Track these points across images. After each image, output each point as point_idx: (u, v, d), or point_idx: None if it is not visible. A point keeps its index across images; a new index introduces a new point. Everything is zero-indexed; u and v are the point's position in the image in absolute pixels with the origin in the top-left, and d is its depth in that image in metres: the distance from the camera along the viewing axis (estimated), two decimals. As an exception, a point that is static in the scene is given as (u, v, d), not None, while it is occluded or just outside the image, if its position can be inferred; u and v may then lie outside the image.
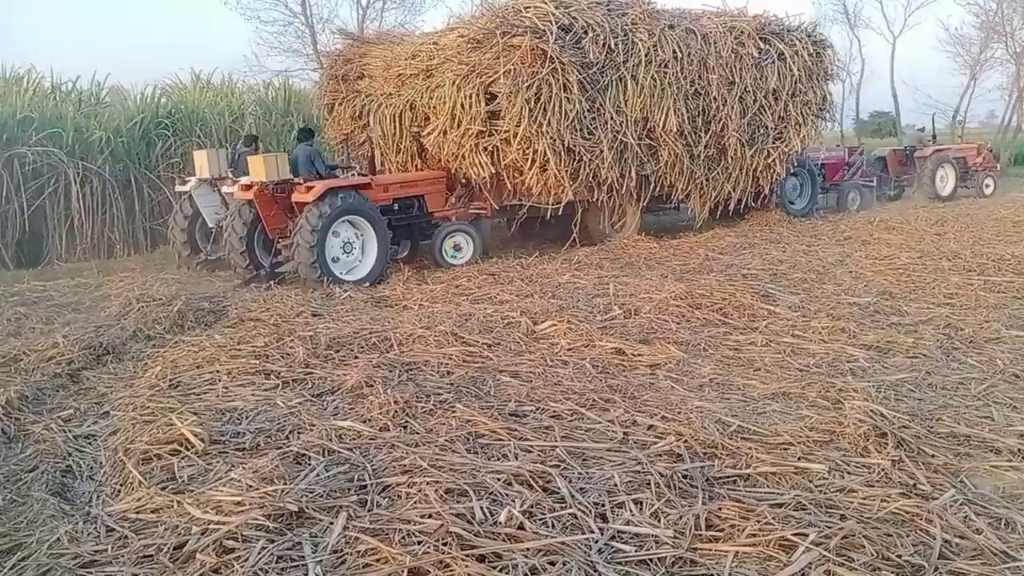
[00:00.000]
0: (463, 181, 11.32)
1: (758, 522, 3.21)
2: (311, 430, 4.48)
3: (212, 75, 17.87)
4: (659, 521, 3.32)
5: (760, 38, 12.72)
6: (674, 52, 11.49)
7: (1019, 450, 4.01)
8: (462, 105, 10.43)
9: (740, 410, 4.68)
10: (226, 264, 10.82)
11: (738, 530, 3.20)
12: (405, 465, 3.87)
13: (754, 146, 12.81)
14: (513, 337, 6.47)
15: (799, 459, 3.88)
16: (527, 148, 10.37)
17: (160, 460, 4.23)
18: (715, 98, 12.08)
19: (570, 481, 3.71)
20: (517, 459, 3.97)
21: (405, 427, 4.51)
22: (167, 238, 12.39)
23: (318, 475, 3.85)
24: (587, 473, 3.83)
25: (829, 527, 3.17)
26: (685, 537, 3.18)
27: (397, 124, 11.65)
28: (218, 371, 5.75)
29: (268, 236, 10.07)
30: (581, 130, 10.74)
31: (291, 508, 3.46)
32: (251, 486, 3.69)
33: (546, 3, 10.47)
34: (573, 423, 4.56)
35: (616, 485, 3.65)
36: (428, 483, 3.61)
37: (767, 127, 12.93)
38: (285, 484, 3.71)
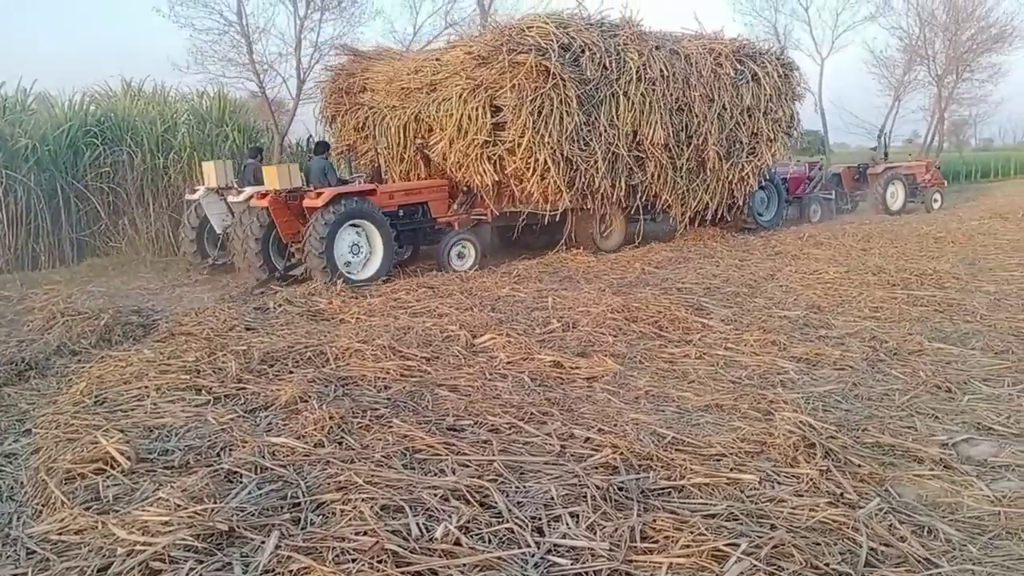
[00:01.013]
0: (465, 189, 12.05)
1: (691, 533, 3.25)
2: (243, 447, 4.39)
3: (144, 83, 17.49)
4: (595, 534, 3.33)
5: (736, 59, 13.68)
6: (661, 71, 12.38)
7: (941, 459, 4.14)
8: (469, 117, 11.17)
9: (675, 422, 4.75)
10: (231, 268, 11.58)
11: (672, 541, 3.23)
12: (340, 482, 3.82)
13: (730, 159, 13.75)
14: (452, 351, 6.45)
15: (731, 470, 3.95)
16: (529, 157, 11.11)
17: (84, 479, 4.09)
18: (696, 114, 12.96)
19: (507, 495, 3.71)
20: (454, 474, 3.95)
21: (340, 443, 4.45)
22: (180, 244, 13.19)
23: (250, 493, 3.77)
24: (524, 487, 3.83)
25: (760, 537, 3.23)
26: (620, 549, 3.20)
27: (401, 135, 12.34)
28: (146, 387, 5.60)
29: (282, 241, 10.72)
30: (578, 141, 11.50)
31: (221, 527, 3.37)
32: (179, 505, 3.59)
33: (547, 24, 11.24)
34: (511, 437, 4.56)
35: (553, 498, 3.65)
36: (363, 500, 3.56)
37: (742, 142, 13.87)
38: (215, 503, 3.62)
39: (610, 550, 3.20)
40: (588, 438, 4.45)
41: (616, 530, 3.34)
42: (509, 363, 6.14)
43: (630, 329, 7.12)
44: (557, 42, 11.07)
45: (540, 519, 3.47)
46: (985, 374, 5.63)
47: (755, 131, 14.02)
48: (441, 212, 11.83)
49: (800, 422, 4.43)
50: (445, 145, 11.53)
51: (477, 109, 11.08)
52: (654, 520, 3.39)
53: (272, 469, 4.07)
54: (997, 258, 10.77)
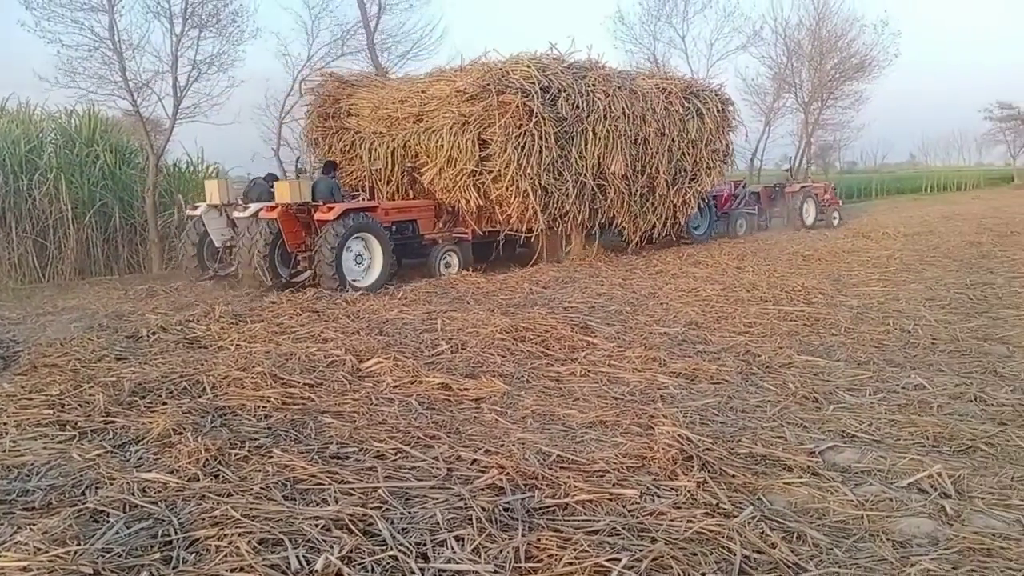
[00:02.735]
0: (449, 210, 13.33)
1: (575, 550, 3.29)
2: (111, 484, 4.16)
3: (7, 101, 16.49)
4: (480, 556, 3.32)
5: (684, 97, 15.20)
6: (623, 109, 13.89)
7: (808, 467, 4.34)
8: (459, 148, 12.36)
9: (560, 440, 4.80)
10: (230, 279, 12.32)
11: (556, 559, 3.26)
12: (216, 516, 3.67)
13: (675, 185, 15.21)
14: (336, 376, 6.32)
15: (614, 485, 4.02)
16: (512, 186, 12.35)
17: (-67, 526, 3.78)
18: (650, 147, 14.44)
19: (392, 522, 3.65)
20: (337, 503, 3.87)
21: (217, 476, 4.28)
22: (180, 257, 13.58)
23: (117, 533, 3.57)
24: (409, 513, 3.79)
25: (641, 550, 3.30)
26: (505, 571, 3.20)
27: (389, 159, 13.52)
28: (5, 423, 5.25)
29: (287, 251, 11.60)
30: (553, 172, 12.95)
31: (85, 571, 3.18)
32: (40, 549, 3.36)
33: (530, 67, 12.65)
34: (397, 462, 4.50)
35: (438, 523, 3.62)
36: (240, 534, 3.43)
37: (686, 170, 15.42)
38: (79, 544, 3.41)
39: (495, 572, 3.19)
40: (475, 460, 4.45)
41: (501, 551, 3.34)
42: (396, 387, 6.07)
43: (518, 349, 7.18)
44: (538, 84, 12.41)
45: (425, 545, 3.43)
46: (849, 384, 5.97)
47: (697, 160, 15.51)
48: (428, 229, 13.11)
49: (679, 436, 4.56)
50: (435, 172, 12.73)
51: (467, 143, 12.25)
52: (539, 539, 3.41)
53: (142, 506, 3.86)
54: (860, 274, 11.47)
